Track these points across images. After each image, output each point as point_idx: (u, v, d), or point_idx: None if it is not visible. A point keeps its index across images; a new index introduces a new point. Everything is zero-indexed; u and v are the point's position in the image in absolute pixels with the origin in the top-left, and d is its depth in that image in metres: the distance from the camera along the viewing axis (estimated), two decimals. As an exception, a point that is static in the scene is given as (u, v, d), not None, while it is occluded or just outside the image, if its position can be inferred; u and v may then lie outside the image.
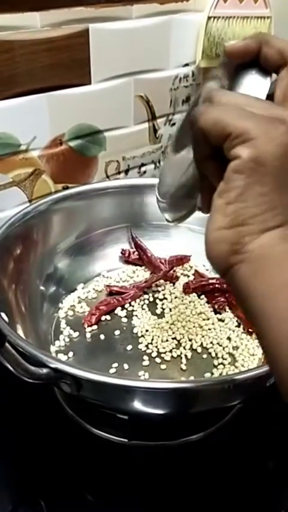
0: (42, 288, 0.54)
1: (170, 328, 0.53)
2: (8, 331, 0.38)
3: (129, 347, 0.51)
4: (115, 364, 0.49)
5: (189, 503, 0.43)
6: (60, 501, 0.43)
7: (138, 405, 0.39)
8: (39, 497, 0.44)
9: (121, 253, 0.62)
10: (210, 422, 0.49)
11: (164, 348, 0.51)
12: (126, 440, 0.47)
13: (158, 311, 0.56)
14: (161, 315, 0.55)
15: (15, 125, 0.58)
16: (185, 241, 0.62)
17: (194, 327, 0.53)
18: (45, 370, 0.36)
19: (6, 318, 0.41)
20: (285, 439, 0.48)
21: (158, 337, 0.52)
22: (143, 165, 0.74)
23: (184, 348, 0.51)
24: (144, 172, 0.75)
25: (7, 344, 0.33)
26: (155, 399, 0.39)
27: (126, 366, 0.49)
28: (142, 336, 0.52)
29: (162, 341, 0.52)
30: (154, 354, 0.51)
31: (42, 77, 0.58)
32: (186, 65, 0.71)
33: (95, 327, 0.53)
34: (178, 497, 0.43)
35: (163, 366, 0.49)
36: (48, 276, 0.55)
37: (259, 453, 0.48)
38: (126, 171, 0.73)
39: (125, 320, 0.55)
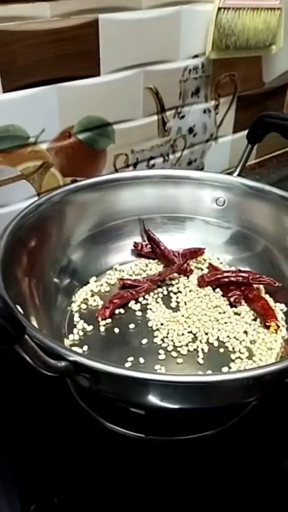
0: (56, 280, 0.52)
1: (185, 321, 0.52)
2: (26, 324, 0.37)
3: (144, 341, 0.50)
4: (130, 358, 0.48)
5: (205, 498, 0.42)
6: (74, 498, 0.42)
7: (156, 399, 0.38)
8: (52, 494, 0.43)
9: (134, 246, 0.61)
10: (227, 417, 0.48)
11: (180, 341, 0.50)
12: (143, 435, 0.46)
13: (173, 304, 0.55)
14: (176, 309, 0.54)
15: (24, 117, 0.57)
16: (199, 234, 0.61)
17: (209, 320, 0.52)
18: (64, 363, 0.35)
19: (21, 311, 0.40)
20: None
21: (174, 330, 0.51)
22: (151, 158, 0.73)
23: (200, 341, 0.50)
24: (153, 165, 0.74)
25: (26, 336, 0.32)
26: (174, 393, 0.38)
27: (142, 360, 0.48)
28: (157, 329, 0.51)
29: (178, 335, 0.51)
30: (170, 348, 0.49)
31: (52, 68, 0.57)
32: (196, 56, 0.71)
33: (108, 320, 0.52)
34: (194, 493, 0.42)
35: (179, 360, 0.48)
36: (62, 268, 0.54)
37: (274, 451, 0.47)
38: (135, 164, 0.72)
39: (139, 314, 0.54)
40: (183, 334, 0.51)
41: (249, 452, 0.46)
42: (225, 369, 0.48)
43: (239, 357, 0.49)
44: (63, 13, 0.55)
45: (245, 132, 0.78)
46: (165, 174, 0.62)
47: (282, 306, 0.54)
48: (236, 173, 0.63)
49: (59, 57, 0.57)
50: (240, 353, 0.49)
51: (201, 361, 0.49)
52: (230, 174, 0.64)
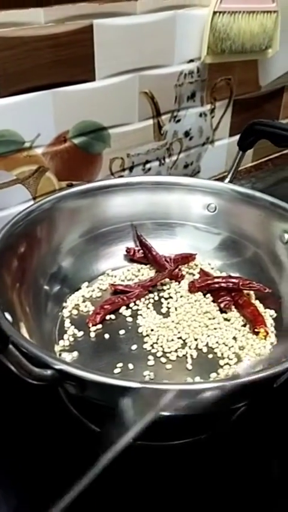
0: (46, 287, 0.53)
1: (175, 327, 0.53)
2: (11, 332, 0.38)
3: (134, 346, 0.51)
4: (120, 364, 0.48)
5: (194, 503, 0.43)
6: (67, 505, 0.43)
7: (142, 406, 0.38)
8: (43, 500, 0.43)
9: (126, 251, 0.61)
10: (215, 423, 0.48)
11: (169, 347, 0.50)
12: (131, 440, 0.46)
13: (163, 310, 0.55)
14: (166, 314, 0.55)
15: (19, 122, 0.58)
16: (190, 239, 0.61)
17: (199, 326, 0.53)
18: (49, 372, 0.36)
19: (10, 318, 0.41)
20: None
21: (164, 336, 0.52)
22: (147, 162, 0.74)
23: (190, 347, 0.51)
24: (149, 169, 0.75)
25: (10, 345, 0.33)
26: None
27: (131, 366, 0.48)
28: (147, 335, 0.52)
29: (167, 340, 0.51)
30: (159, 354, 0.50)
31: (46, 74, 0.57)
32: (191, 60, 0.71)
33: (99, 326, 0.53)
34: (184, 498, 0.43)
35: (168, 366, 0.49)
36: (53, 275, 0.55)
37: (264, 455, 0.47)
38: (131, 168, 0.72)
39: (130, 319, 0.54)
40: (172, 340, 0.51)
41: (239, 455, 0.46)
42: (213, 375, 0.48)
43: (227, 363, 0.49)
44: (57, 19, 0.56)
45: (241, 135, 0.79)
46: (156, 181, 0.62)
47: (272, 312, 0.55)
48: (228, 179, 0.63)
49: (54, 63, 0.57)
50: (229, 359, 0.50)
51: (190, 367, 0.49)
52: (223, 179, 0.64)
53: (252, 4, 0.69)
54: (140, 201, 0.61)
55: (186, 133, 0.77)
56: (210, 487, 0.44)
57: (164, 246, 0.61)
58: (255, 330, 0.52)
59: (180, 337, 0.52)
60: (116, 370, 0.48)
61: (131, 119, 0.69)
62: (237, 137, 0.71)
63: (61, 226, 0.56)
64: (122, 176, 0.71)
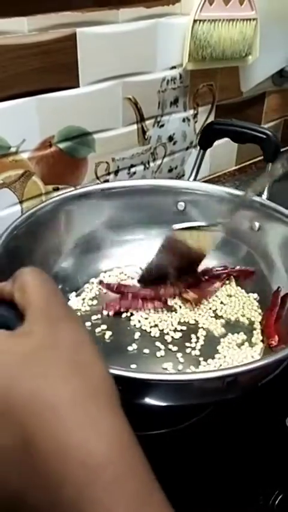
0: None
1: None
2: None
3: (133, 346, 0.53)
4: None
5: (173, 492, 0.44)
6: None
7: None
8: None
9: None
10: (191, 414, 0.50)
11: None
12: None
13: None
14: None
15: (4, 127, 0.59)
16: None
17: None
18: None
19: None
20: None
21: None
22: (132, 166, 0.75)
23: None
24: (134, 173, 0.76)
25: None
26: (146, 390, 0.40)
27: (133, 366, 0.51)
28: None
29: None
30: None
31: (31, 81, 0.59)
32: (174, 67, 0.73)
33: (104, 326, 0.55)
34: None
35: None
36: (54, 275, 0.57)
37: (243, 445, 0.49)
38: (116, 172, 0.74)
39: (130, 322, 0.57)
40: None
41: (217, 445, 0.48)
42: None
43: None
44: (40, 27, 0.57)
45: (225, 139, 0.81)
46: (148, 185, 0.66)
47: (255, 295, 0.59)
48: (192, 178, 0.66)
49: (38, 70, 0.59)
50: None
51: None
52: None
53: (232, 12, 0.71)
54: (136, 203, 0.64)
55: (170, 138, 0.78)
56: (186, 476, 0.45)
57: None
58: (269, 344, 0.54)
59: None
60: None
61: (115, 124, 0.70)
62: (220, 141, 0.73)
63: (62, 227, 0.58)
64: (107, 180, 0.73)
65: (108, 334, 0.54)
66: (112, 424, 0.23)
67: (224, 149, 0.88)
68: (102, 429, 0.23)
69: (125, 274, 0.63)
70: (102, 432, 0.22)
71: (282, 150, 0.96)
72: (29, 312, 0.26)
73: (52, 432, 0.22)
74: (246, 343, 0.54)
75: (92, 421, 0.23)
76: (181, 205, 0.63)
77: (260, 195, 0.62)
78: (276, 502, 0.41)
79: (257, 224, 0.59)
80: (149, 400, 0.42)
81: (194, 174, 0.68)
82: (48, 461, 0.22)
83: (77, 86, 0.64)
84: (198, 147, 0.69)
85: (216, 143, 0.84)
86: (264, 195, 0.63)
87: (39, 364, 0.24)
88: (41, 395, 0.23)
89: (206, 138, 0.69)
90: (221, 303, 0.59)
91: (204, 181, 0.77)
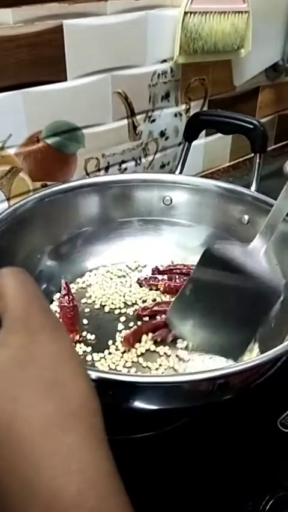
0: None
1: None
2: None
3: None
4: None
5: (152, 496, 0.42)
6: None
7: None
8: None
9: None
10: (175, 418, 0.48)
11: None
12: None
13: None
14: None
15: (-11, 122, 0.58)
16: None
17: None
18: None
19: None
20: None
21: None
22: (123, 162, 0.74)
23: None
24: (125, 169, 0.75)
25: None
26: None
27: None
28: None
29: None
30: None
31: (17, 74, 0.58)
32: (164, 61, 0.71)
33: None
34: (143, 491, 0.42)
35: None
36: (38, 274, 0.56)
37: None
38: (106, 168, 0.72)
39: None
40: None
41: (204, 449, 0.46)
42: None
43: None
44: (26, 19, 0.56)
45: (219, 135, 0.80)
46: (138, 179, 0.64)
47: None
48: (178, 171, 0.65)
49: (24, 63, 0.58)
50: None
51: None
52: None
53: (223, 5, 0.69)
54: (122, 198, 0.62)
55: (162, 133, 0.77)
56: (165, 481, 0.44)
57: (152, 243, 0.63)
58: None
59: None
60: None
61: (105, 119, 0.69)
62: (213, 137, 0.72)
63: (45, 224, 0.57)
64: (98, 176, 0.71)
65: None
66: (88, 458, 0.20)
67: (218, 145, 0.86)
68: (74, 466, 0.20)
69: (111, 273, 0.61)
70: (74, 470, 0.20)
71: (278, 145, 0.96)
72: (6, 318, 0.24)
73: (17, 468, 0.19)
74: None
75: (64, 456, 0.20)
76: (167, 200, 0.62)
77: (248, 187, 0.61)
78: (267, 507, 0.40)
79: (246, 217, 0.58)
80: (136, 404, 0.41)
81: (179, 168, 0.67)
82: (10, 502, 0.19)
83: (64, 79, 0.62)
84: (186, 142, 0.67)
85: (209, 139, 0.83)
86: (253, 187, 0.61)
87: (10, 383, 0.21)
88: (9, 423, 0.20)
89: (192, 129, 0.68)
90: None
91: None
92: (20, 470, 0.20)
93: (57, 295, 0.57)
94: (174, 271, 0.60)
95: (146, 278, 0.60)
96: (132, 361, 0.50)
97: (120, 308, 0.57)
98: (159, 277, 0.60)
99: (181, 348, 0.52)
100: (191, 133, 0.67)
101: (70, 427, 0.21)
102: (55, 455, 0.20)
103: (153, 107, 0.74)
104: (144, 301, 0.58)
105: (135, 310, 0.56)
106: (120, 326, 0.55)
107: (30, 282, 0.26)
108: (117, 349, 0.52)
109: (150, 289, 0.59)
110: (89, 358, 0.51)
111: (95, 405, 0.22)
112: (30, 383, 0.21)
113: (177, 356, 0.51)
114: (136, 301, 0.58)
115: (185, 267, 0.60)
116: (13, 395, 0.21)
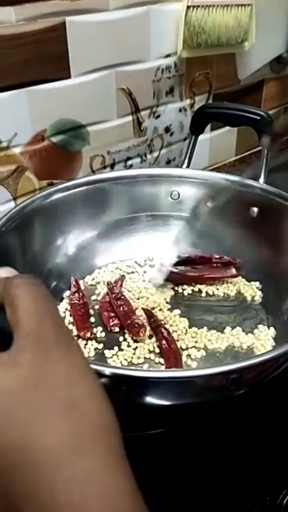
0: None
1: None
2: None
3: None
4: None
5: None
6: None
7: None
8: None
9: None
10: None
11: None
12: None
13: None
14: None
15: (-6, 121, 0.57)
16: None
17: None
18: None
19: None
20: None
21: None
22: (129, 158, 0.74)
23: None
24: (131, 166, 0.74)
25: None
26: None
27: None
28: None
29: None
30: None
31: (20, 72, 0.57)
32: (168, 55, 0.71)
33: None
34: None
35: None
36: (48, 271, 0.56)
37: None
38: (112, 165, 0.72)
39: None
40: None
41: (219, 444, 0.46)
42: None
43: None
44: (28, 17, 0.56)
45: (224, 129, 0.79)
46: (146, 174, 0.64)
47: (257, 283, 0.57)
48: (185, 165, 0.65)
49: (27, 61, 0.57)
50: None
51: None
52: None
53: (226, -3, 0.69)
54: (135, 194, 0.62)
55: (167, 129, 0.76)
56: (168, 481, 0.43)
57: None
58: None
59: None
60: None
61: (109, 116, 0.68)
62: (218, 132, 0.71)
63: (52, 223, 0.57)
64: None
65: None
66: (106, 480, 0.20)
67: (223, 140, 0.86)
68: (92, 491, 0.19)
69: (120, 270, 0.61)
70: (91, 495, 0.19)
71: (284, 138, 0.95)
72: (18, 334, 0.22)
73: (32, 494, 0.19)
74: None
75: (81, 482, 0.19)
76: (175, 195, 0.62)
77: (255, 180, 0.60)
78: (284, 501, 0.39)
79: (255, 210, 0.58)
80: (150, 399, 0.40)
81: (186, 162, 0.66)
82: None
83: (68, 76, 0.62)
84: (193, 135, 0.67)
85: (214, 133, 0.83)
86: (261, 180, 0.61)
87: (23, 406, 0.20)
88: (23, 448, 0.19)
89: (198, 123, 0.67)
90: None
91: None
92: (35, 496, 0.19)
93: (67, 293, 0.57)
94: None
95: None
96: (145, 357, 0.50)
97: (129, 304, 0.57)
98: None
99: (191, 347, 0.51)
100: (197, 127, 0.67)
101: (87, 450, 0.20)
102: (71, 481, 0.19)
103: (157, 103, 0.73)
104: (151, 295, 0.58)
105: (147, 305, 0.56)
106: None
107: (43, 293, 0.24)
108: (129, 346, 0.51)
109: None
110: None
111: (113, 424, 0.22)
112: (45, 405, 0.21)
113: (188, 355, 0.51)
114: (145, 296, 0.57)
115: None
116: (27, 419, 0.20)
